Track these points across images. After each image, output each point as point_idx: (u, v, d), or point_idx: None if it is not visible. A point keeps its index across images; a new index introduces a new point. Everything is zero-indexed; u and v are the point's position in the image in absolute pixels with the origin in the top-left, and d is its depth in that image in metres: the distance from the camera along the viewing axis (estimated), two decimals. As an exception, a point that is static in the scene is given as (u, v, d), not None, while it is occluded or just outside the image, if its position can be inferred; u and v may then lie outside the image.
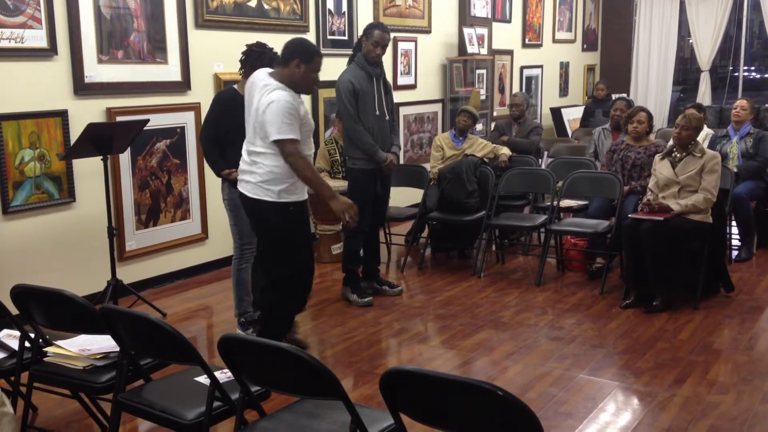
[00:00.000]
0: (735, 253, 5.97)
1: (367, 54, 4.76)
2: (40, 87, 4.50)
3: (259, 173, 3.62)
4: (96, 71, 4.76)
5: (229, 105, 4.14)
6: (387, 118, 4.88)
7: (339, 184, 5.58)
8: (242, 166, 3.73)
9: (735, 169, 5.81)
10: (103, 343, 2.90)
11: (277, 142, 3.51)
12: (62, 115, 4.61)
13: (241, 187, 3.72)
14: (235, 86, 4.24)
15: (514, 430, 1.90)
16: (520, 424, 1.87)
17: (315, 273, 4.14)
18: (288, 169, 3.59)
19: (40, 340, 2.95)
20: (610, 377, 3.80)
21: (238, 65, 4.17)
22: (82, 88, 4.68)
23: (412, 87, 7.65)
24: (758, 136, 6.05)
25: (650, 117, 5.57)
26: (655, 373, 3.82)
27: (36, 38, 4.43)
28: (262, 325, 3.93)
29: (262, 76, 3.66)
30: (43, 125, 4.53)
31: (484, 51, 8.43)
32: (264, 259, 3.86)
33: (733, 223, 6.01)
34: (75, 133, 4.48)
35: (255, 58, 4.09)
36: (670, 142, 5.00)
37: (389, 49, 5.00)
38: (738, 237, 6.05)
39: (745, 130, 6.10)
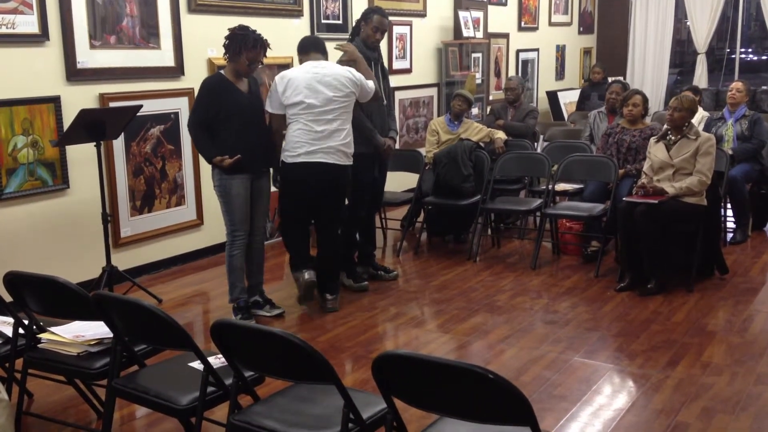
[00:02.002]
0: (730, 235, 5.98)
1: (367, 39, 4.73)
2: (32, 73, 4.48)
3: (350, 142, 4.34)
4: (88, 57, 4.73)
5: (216, 90, 4.12)
6: (385, 102, 4.86)
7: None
8: (338, 141, 4.26)
9: (730, 152, 5.80)
10: (97, 330, 2.90)
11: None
12: (55, 101, 4.59)
13: (337, 161, 4.28)
14: (222, 71, 4.21)
15: (506, 413, 1.92)
16: (512, 406, 1.89)
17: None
18: None
19: (34, 327, 2.96)
20: (604, 360, 3.81)
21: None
22: (74, 74, 4.66)
23: (408, 71, 7.62)
24: (753, 119, 6.03)
25: (645, 100, 5.55)
26: (650, 356, 3.83)
27: (27, 24, 4.40)
28: (335, 271, 4.63)
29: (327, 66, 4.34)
30: (35, 111, 4.51)
31: (479, 34, 8.39)
32: (334, 219, 4.48)
33: (728, 205, 6.02)
34: (68, 119, 4.46)
35: (239, 41, 4.06)
36: (666, 125, 4.99)
37: (384, 34, 4.98)
38: (733, 219, 6.06)
39: (740, 113, 6.08)
